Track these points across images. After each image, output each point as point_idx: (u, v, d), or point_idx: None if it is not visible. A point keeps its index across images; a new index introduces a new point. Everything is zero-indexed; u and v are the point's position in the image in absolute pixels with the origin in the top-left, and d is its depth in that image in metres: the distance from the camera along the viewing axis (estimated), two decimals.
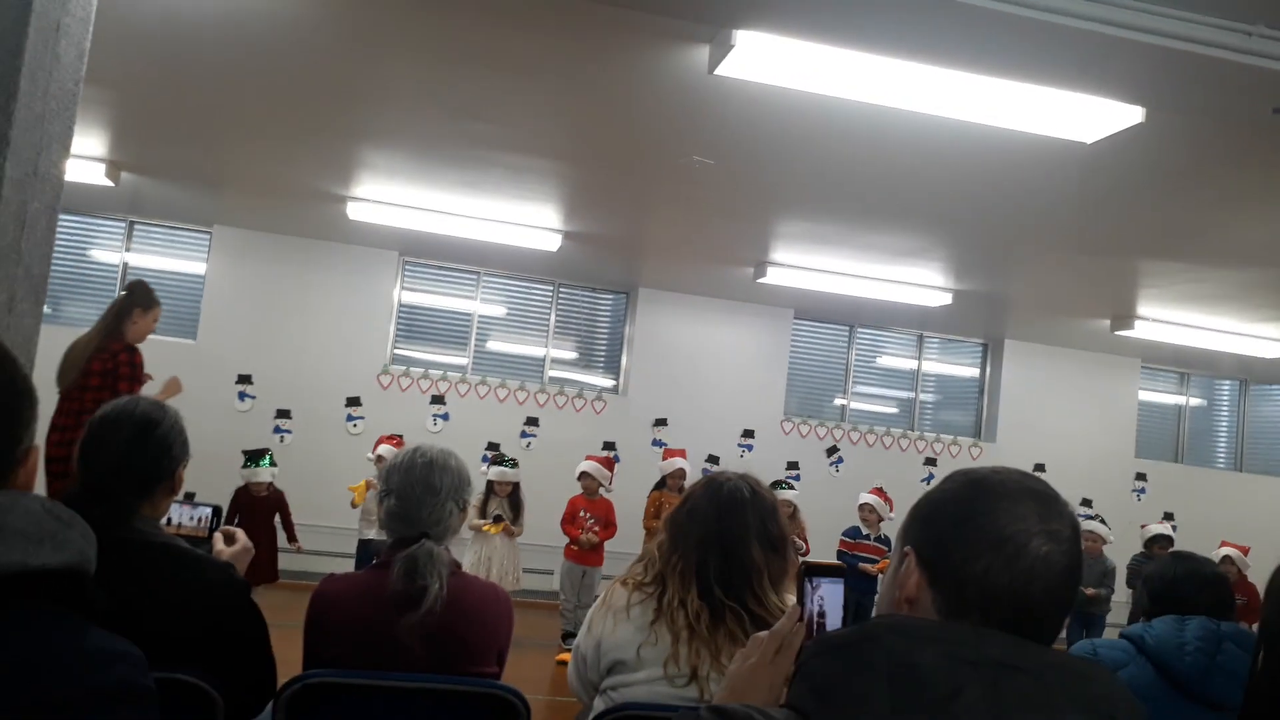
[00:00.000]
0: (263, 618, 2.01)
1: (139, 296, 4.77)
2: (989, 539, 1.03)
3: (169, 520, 2.28)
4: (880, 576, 6.74)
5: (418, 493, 2.15)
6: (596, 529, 6.72)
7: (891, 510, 6.95)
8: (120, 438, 1.90)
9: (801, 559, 1.47)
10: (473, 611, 2.13)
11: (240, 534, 2.26)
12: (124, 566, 1.75)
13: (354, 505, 6.77)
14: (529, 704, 2.08)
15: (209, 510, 2.34)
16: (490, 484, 6.66)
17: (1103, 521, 7.14)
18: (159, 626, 1.79)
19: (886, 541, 7.02)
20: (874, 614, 1.17)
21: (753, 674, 1.28)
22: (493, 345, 9.08)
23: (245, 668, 1.96)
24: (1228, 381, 10.65)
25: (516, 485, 6.71)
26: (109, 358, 4.53)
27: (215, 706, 1.83)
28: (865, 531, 7.00)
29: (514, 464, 6.81)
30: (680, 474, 6.94)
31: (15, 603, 0.97)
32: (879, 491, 7.09)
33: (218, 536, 2.25)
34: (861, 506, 7.02)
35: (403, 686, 2.00)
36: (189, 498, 2.51)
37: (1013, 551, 1.02)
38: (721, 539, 2.06)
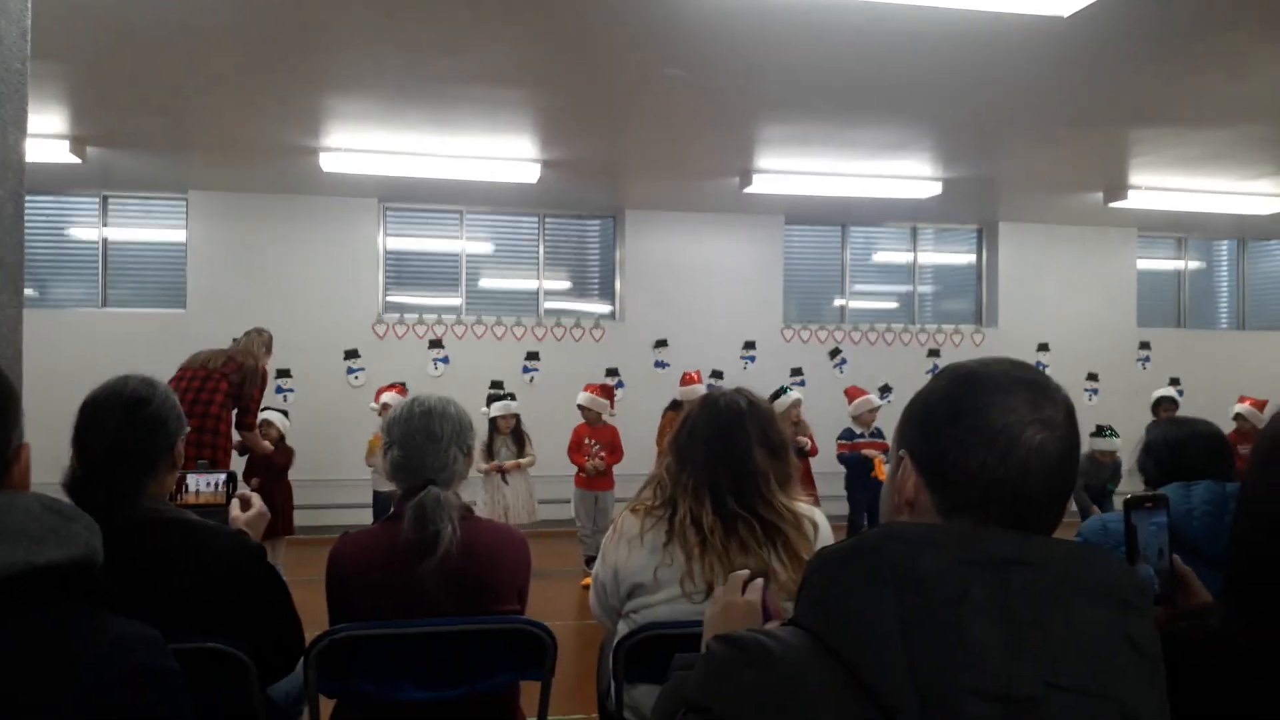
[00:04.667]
0: (281, 580, 2.03)
1: (267, 338, 6.08)
2: (982, 434, 1.02)
3: (187, 488, 2.30)
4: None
5: (419, 441, 2.16)
6: (602, 455, 6.78)
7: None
8: (113, 419, 1.89)
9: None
10: (488, 553, 2.15)
11: (256, 499, 2.28)
12: (138, 546, 1.76)
13: (367, 457, 6.81)
14: (555, 635, 2.13)
15: (224, 477, 2.35)
16: (493, 423, 6.70)
17: (1113, 433, 6.95)
18: (180, 601, 1.81)
19: (880, 434, 7.10)
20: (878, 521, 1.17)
21: (726, 611, 1.30)
22: (484, 283, 9.02)
23: (270, 630, 1.99)
24: (1225, 241, 10.58)
25: (517, 418, 6.77)
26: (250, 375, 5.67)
27: (248, 671, 1.87)
28: (859, 431, 7.08)
29: (512, 396, 6.89)
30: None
31: (27, 600, 0.98)
32: (854, 389, 7.25)
33: (234, 503, 2.27)
34: (856, 414, 7.14)
35: (429, 632, 2.04)
36: (199, 465, 2.52)
37: (1007, 444, 1.01)
38: (726, 450, 2.13)
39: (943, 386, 1.09)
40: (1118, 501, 6.98)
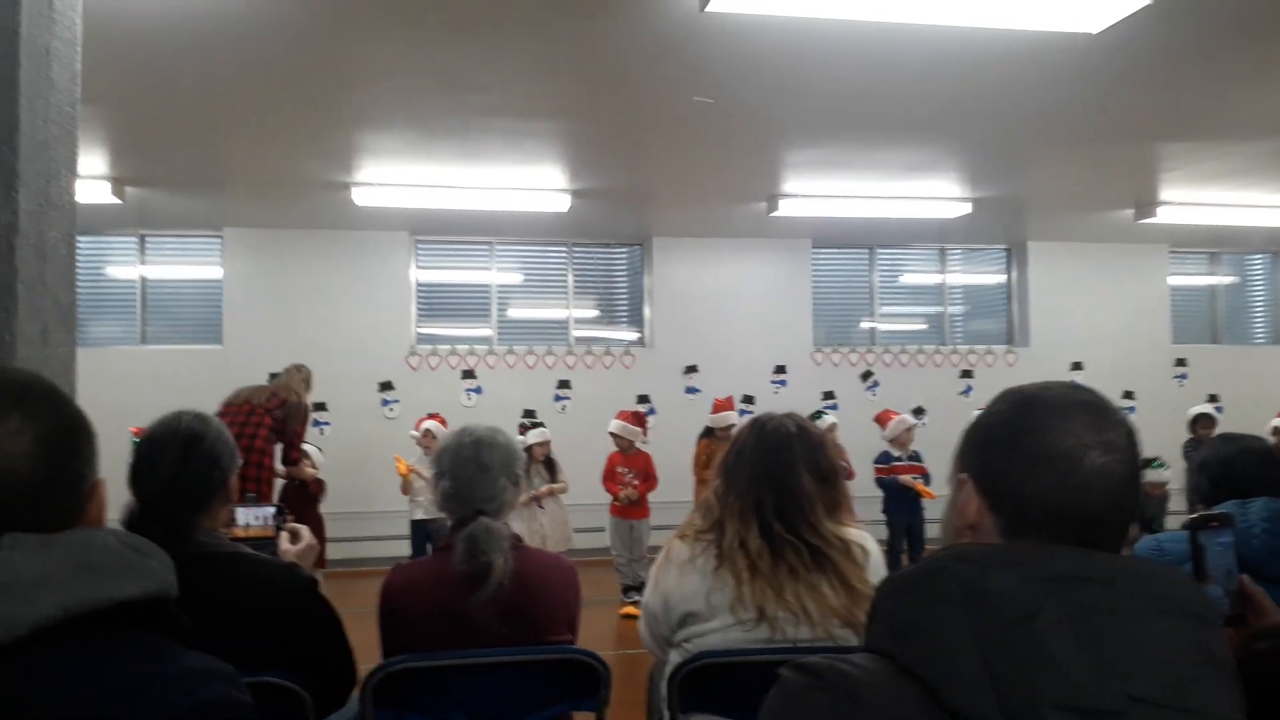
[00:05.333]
0: (334, 612, 2.04)
1: (306, 373, 6.27)
2: (1043, 456, 1.03)
3: (236, 522, 2.32)
4: (917, 491, 6.75)
5: (469, 472, 2.17)
6: (635, 483, 6.75)
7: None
8: (169, 457, 1.91)
9: None
10: (539, 582, 2.15)
11: (305, 531, 2.29)
12: (194, 580, 1.76)
13: (403, 488, 6.80)
14: (608, 665, 2.11)
15: (273, 510, 2.38)
16: (528, 451, 6.71)
17: (1162, 464, 6.81)
18: (236, 635, 1.82)
19: (918, 458, 7.02)
20: (939, 545, 1.17)
21: None
22: (514, 313, 9.07)
23: (325, 663, 1.99)
24: (1259, 255, 10.43)
25: (548, 445, 6.82)
26: (294, 411, 5.81)
27: (305, 705, 1.87)
28: (896, 454, 7.00)
29: (540, 424, 6.96)
30: (732, 428, 6.90)
31: (107, 634, 0.99)
32: (885, 413, 7.16)
33: (283, 535, 2.29)
34: (892, 436, 7.04)
35: (483, 663, 2.03)
36: (247, 498, 2.55)
37: (1068, 467, 1.02)
38: (771, 473, 2.12)
39: (1003, 410, 1.10)
40: (1173, 520, 6.87)
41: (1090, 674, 0.89)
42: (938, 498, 6.75)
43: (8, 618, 0.92)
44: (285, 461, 5.87)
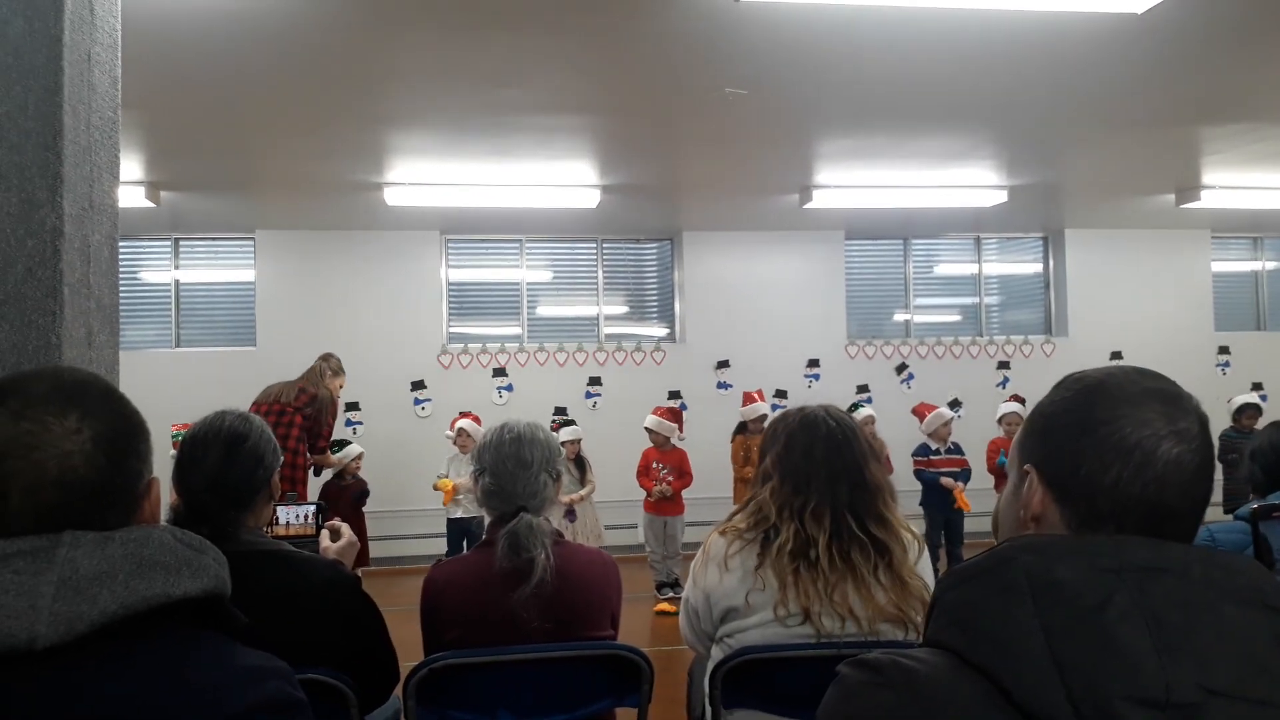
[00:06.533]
0: (377, 609, 2.04)
1: (334, 362, 6.33)
2: (1115, 448, 0.99)
3: (277, 521, 2.33)
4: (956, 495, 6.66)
5: (510, 468, 2.16)
6: (670, 479, 6.73)
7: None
8: (212, 456, 1.92)
9: None
10: (581, 578, 2.14)
11: (345, 528, 2.30)
12: (239, 578, 1.77)
13: (445, 500, 6.81)
14: (651, 661, 2.10)
15: (313, 508, 2.39)
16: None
17: None
18: (280, 632, 1.81)
19: (958, 450, 6.94)
20: (997, 537, 1.14)
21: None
22: (544, 311, 9.08)
23: (368, 659, 1.99)
24: None
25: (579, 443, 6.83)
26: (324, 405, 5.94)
27: (349, 702, 1.87)
28: (935, 446, 6.92)
29: (574, 421, 6.98)
30: (764, 419, 6.87)
31: (166, 631, 0.99)
32: (922, 407, 7.02)
33: (324, 533, 2.30)
34: (930, 430, 6.96)
35: (525, 659, 2.02)
36: (288, 497, 2.57)
37: (1142, 459, 0.98)
38: (848, 469, 2.08)
39: (1069, 398, 1.05)
40: (1211, 511, 6.73)
41: (1164, 665, 0.86)
42: (973, 510, 6.68)
43: (69, 616, 0.92)
44: (310, 450, 5.94)
